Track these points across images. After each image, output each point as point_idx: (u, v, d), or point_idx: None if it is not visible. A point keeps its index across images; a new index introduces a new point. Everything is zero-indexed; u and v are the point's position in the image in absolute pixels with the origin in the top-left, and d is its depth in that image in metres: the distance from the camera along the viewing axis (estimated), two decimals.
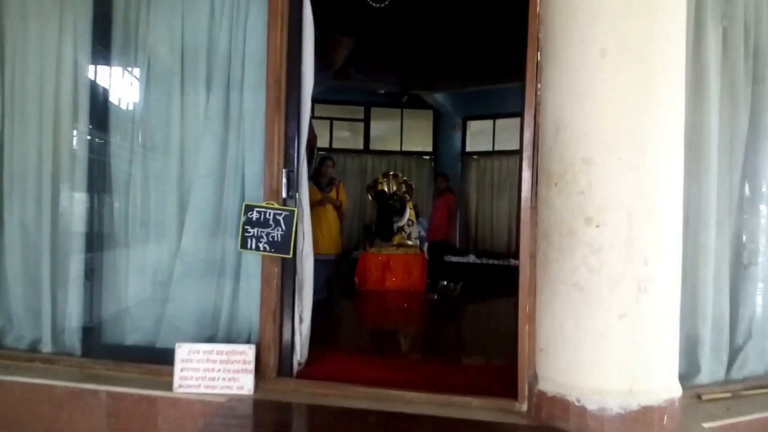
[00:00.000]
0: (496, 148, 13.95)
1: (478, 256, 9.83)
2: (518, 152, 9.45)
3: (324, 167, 6.77)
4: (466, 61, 11.24)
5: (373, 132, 14.59)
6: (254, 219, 3.00)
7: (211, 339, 3.20)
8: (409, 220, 8.32)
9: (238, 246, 3.04)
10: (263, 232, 3.00)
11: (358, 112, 14.40)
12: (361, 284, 7.71)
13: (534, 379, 2.72)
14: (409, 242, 8.28)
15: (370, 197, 8.75)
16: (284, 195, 3.02)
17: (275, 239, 2.99)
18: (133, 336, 3.28)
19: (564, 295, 2.57)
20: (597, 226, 2.49)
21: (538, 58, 2.74)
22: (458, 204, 7.64)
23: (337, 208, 6.48)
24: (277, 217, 2.99)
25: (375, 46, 11.29)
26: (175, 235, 3.24)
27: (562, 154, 2.58)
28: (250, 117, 3.14)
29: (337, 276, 6.49)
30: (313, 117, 12.00)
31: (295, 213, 2.98)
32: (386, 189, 8.59)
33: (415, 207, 8.98)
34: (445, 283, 7.89)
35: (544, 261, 2.67)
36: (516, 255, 9.08)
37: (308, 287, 3.22)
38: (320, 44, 10.60)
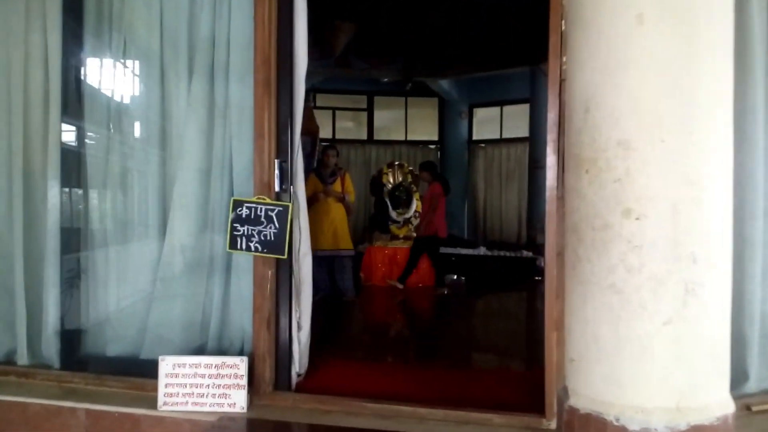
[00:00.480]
0: (504, 136, 13.60)
1: (489, 248, 9.47)
2: (527, 139, 9.18)
3: (325, 157, 6.41)
4: (472, 44, 10.85)
5: (376, 121, 14.23)
6: (244, 216, 2.68)
7: (200, 349, 2.90)
8: (416, 211, 7.97)
9: (227, 246, 2.72)
10: (254, 230, 2.68)
11: (361, 101, 14.04)
12: (367, 279, 7.39)
13: (564, 393, 2.39)
14: (416, 235, 7.94)
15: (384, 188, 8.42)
16: (277, 188, 2.70)
17: (268, 238, 2.67)
18: (115, 346, 2.99)
19: (598, 299, 2.24)
20: (637, 219, 2.15)
21: (563, 28, 2.40)
22: (446, 192, 7.07)
23: (341, 200, 6.13)
24: (270, 213, 2.66)
25: (376, 31, 10.91)
26: (158, 235, 2.94)
27: (593, 137, 2.24)
28: (238, 102, 2.82)
29: (344, 273, 6.18)
30: (314, 107, 11.70)
31: (290, 208, 2.66)
32: (391, 180, 8.25)
33: (421, 198, 8.63)
34: (455, 277, 7.56)
35: (574, 259, 2.34)
36: (527, 246, 8.79)
37: (306, 290, 2.90)
38: (319, 30, 10.26)
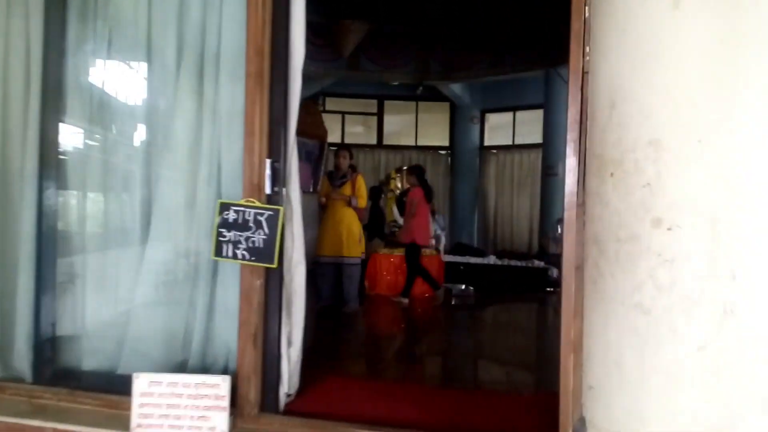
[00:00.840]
0: (516, 142, 13.31)
1: (499, 257, 9.19)
2: (540, 146, 8.91)
3: (337, 159, 6.18)
4: (486, 45, 10.61)
5: (386, 126, 14.01)
6: (231, 220, 2.45)
7: (181, 365, 2.66)
8: None
9: (212, 253, 2.48)
10: (241, 236, 2.44)
11: (371, 105, 13.83)
12: (371, 288, 7.12)
13: (581, 425, 2.13)
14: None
15: (382, 194, 8.15)
16: (268, 191, 2.46)
17: (256, 245, 2.43)
18: (91, 360, 2.76)
19: (622, 320, 1.98)
20: (668, 230, 1.89)
21: (586, 15, 2.14)
22: (428, 199, 6.74)
23: (348, 204, 5.89)
24: (259, 217, 2.43)
25: (388, 32, 10.70)
26: (141, 240, 2.70)
27: (619, 136, 1.99)
28: (229, 96, 2.59)
29: (351, 282, 5.90)
30: (323, 111, 11.52)
31: (280, 213, 2.42)
32: (399, 185, 8.00)
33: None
34: (463, 287, 7.30)
35: (596, 274, 2.08)
36: (539, 256, 8.51)
37: (299, 303, 2.66)
38: (328, 30, 10.07)
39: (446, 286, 7.26)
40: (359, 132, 14.45)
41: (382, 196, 8.08)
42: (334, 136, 13.37)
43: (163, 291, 2.71)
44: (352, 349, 4.33)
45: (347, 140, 13.84)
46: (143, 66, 2.71)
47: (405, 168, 8.25)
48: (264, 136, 2.45)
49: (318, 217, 6.38)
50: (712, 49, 1.87)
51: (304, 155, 10.83)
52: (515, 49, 10.61)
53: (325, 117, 11.73)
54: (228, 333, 2.61)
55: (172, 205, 2.67)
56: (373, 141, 14.00)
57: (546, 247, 10.07)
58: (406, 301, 6.58)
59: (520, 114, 13.23)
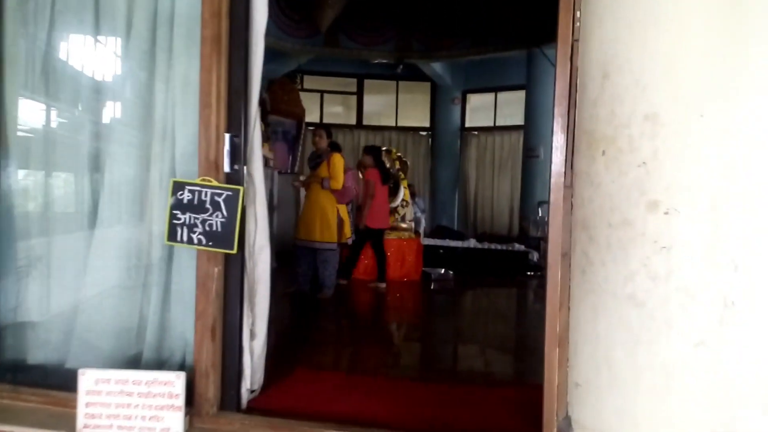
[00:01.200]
0: (498, 124, 13.14)
1: (479, 240, 9.05)
2: (522, 128, 8.73)
3: (313, 138, 5.95)
4: (467, 24, 10.35)
5: (366, 106, 13.72)
6: (185, 201, 2.22)
7: (135, 359, 2.45)
8: (403, 200, 7.51)
9: (165, 238, 2.25)
10: (197, 218, 2.21)
11: (351, 84, 13.51)
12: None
13: (566, 425, 1.97)
14: (404, 225, 7.49)
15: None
16: (227, 168, 2.24)
17: (214, 228, 2.21)
18: (37, 353, 2.53)
19: (613, 312, 1.80)
20: (665, 214, 1.71)
21: None
22: (383, 181, 6.50)
23: (322, 185, 5.65)
24: (216, 198, 2.20)
25: (367, 8, 10.39)
26: (88, 223, 2.47)
27: (612, 110, 1.80)
28: (184, 63, 2.35)
29: (326, 268, 5.67)
30: (301, 89, 11.11)
31: (240, 193, 2.19)
32: None
33: (410, 186, 8.18)
34: (442, 270, 7.14)
35: (584, 262, 1.90)
36: (520, 239, 8.38)
37: (263, 291, 2.45)
38: (304, 4, 9.73)
39: (426, 270, 7.09)
40: (338, 112, 14.16)
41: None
42: (312, 116, 13.06)
43: (114, 278, 2.48)
44: (323, 338, 4.11)
45: (326, 120, 13.56)
46: (89, 30, 2.44)
47: (384, 148, 7.99)
48: (222, 107, 2.22)
49: (296, 199, 6.16)
50: (718, 10, 1.68)
51: (281, 135, 10.54)
52: (497, 27, 10.38)
53: (304, 96, 11.42)
54: (185, 324, 2.40)
55: (122, 185, 2.44)
56: (353, 121, 13.72)
57: (527, 231, 9.96)
58: (383, 285, 6.40)
59: (501, 95, 13.04)
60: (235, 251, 2.21)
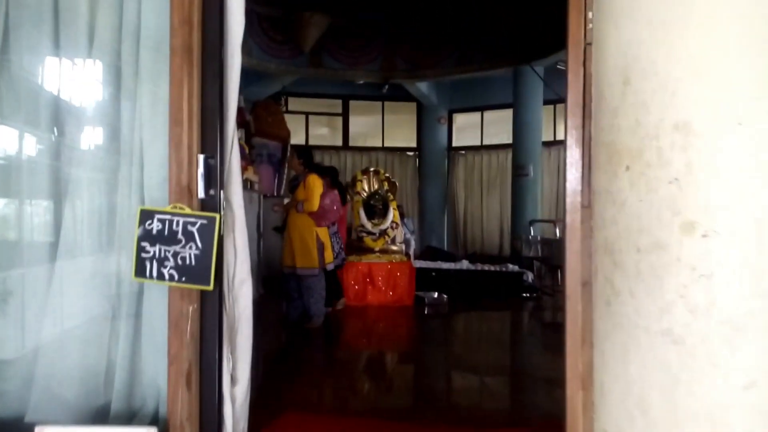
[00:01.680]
0: (485, 143, 13.03)
1: (471, 262, 8.83)
2: (510, 146, 8.57)
3: (289, 162, 5.74)
4: (452, 41, 10.24)
5: (352, 127, 13.57)
6: (155, 232, 1.97)
7: (103, 410, 2.17)
8: (393, 222, 7.28)
9: (132, 273, 2.00)
10: (168, 251, 1.96)
11: (336, 105, 13.37)
12: (345, 299, 6.65)
13: None
14: (394, 247, 7.26)
15: (348, 197, 7.70)
16: (201, 194, 2.00)
17: (187, 262, 1.96)
18: None
19: (647, 350, 1.57)
20: (703, 237, 1.49)
21: None
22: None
23: (296, 208, 5.42)
24: (189, 228, 1.95)
25: (351, 27, 10.25)
26: (49, 255, 2.20)
27: (637, 119, 1.59)
28: (152, 77, 2.11)
29: (310, 296, 5.40)
30: (286, 111, 10.93)
31: (217, 221, 1.95)
32: (366, 188, 7.55)
33: (399, 207, 7.96)
34: (435, 294, 6.90)
35: (609, 292, 1.67)
36: (512, 259, 8.17)
37: (245, 331, 2.19)
38: (287, 24, 9.59)
39: (419, 294, 6.84)
40: (324, 134, 14.00)
41: (371, 202, 7.35)
42: (298, 138, 12.88)
43: (78, 317, 2.21)
44: (313, 373, 3.84)
45: (312, 142, 13.38)
46: (47, 44, 2.20)
47: (371, 169, 7.80)
48: (195, 125, 1.98)
49: (283, 223, 5.90)
50: (758, 5, 1.49)
51: (266, 158, 10.32)
52: (483, 45, 10.29)
53: (289, 118, 11.25)
54: (158, 369, 2.13)
55: (86, 214, 2.18)
56: (339, 142, 13.56)
57: (519, 250, 9.77)
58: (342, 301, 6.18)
59: (488, 114, 12.97)
60: (211, 287, 1.96)
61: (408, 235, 10.15)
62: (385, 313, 6.15)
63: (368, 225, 7.16)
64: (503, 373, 4.08)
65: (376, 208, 7.28)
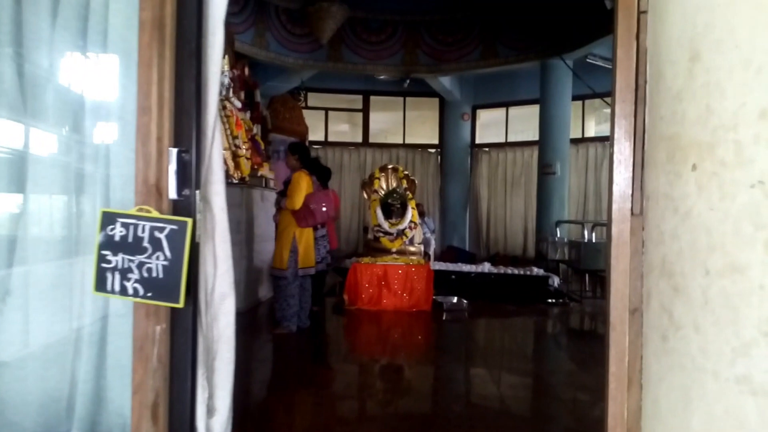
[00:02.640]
0: (509, 139, 12.61)
1: (493, 263, 8.45)
2: (536, 143, 8.14)
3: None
4: (476, 34, 9.84)
5: (372, 123, 13.25)
6: (118, 238, 1.67)
7: None
8: (411, 222, 6.94)
9: (93, 286, 1.70)
10: (132, 261, 1.66)
11: (356, 101, 13.06)
12: (352, 303, 6.34)
13: None
14: (412, 248, 6.93)
15: (365, 195, 7.39)
16: (173, 194, 1.69)
17: (154, 274, 1.65)
18: None
19: (714, 400, 1.23)
20: None
21: None
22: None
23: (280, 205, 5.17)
24: (157, 234, 1.65)
25: (371, 18, 9.93)
26: (3, 264, 1.92)
27: (707, 105, 1.24)
28: (121, 57, 1.82)
29: (278, 300, 5.11)
30: (305, 107, 10.58)
31: (189, 226, 1.64)
32: (384, 186, 7.23)
33: (418, 206, 7.62)
34: (455, 299, 6.55)
35: (666, 324, 1.32)
36: (538, 262, 7.74)
37: (225, 354, 1.88)
38: (304, 17, 9.27)
39: (437, 299, 6.49)
40: (344, 130, 13.72)
41: (389, 201, 6.93)
42: (317, 134, 12.62)
43: (37, 335, 1.93)
44: (317, 390, 3.51)
45: (331, 138, 13.12)
46: (8, 14, 1.92)
47: (390, 166, 7.46)
48: (166, 114, 1.68)
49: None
50: None
51: (283, 154, 10.06)
52: (508, 37, 9.89)
53: (308, 114, 10.99)
54: (124, 396, 1.84)
55: (45, 217, 1.89)
56: (359, 139, 13.26)
57: (544, 252, 9.36)
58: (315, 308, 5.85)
59: (513, 110, 12.54)
60: (181, 305, 1.65)
61: (428, 235, 9.81)
62: (399, 318, 5.79)
63: (385, 225, 6.84)
64: (528, 395, 3.70)
65: (393, 207, 6.95)
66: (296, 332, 5.00)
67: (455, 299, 6.50)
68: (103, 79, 1.85)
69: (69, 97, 1.87)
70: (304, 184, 4.97)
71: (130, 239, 1.67)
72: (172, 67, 1.70)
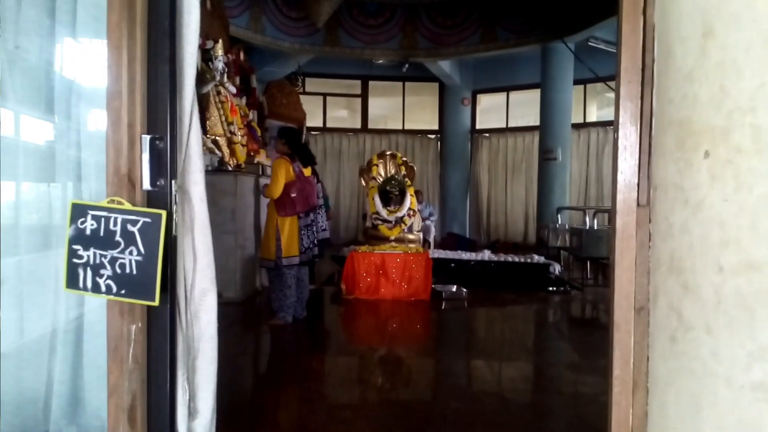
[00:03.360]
0: (510, 125, 12.46)
1: (494, 250, 8.36)
2: (536, 128, 7.90)
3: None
4: (476, 16, 9.66)
5: (371, 109, 13.09)
6: (89, 232, 1.57)
7: None
8: (410, 209, 6.83)
9: (64, 283, 1.60)
10: (105, 256, 1.56)
11: (355, 86, 12.89)
12: (349, 292, 6.24)
13: None
14: (411, 236, 6.82)
15: (363, 182, 7.27)
16: (147, 185, 1.59)
17: (127, 270, 1.56)
18: None
19: (726, 408, 1.13)
20: None
21: None
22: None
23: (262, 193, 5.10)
24: (130, 227, 1.55)
25: (368, 3, 9.75)
26: None
27: (722, 86, 1.13)
28: (92, 36, 1.71)
29: (272, 291, 5.03)
30: (303, 93, 10.34)
31: (163, 219, 1.54)
32: (382, 172, 7.11)
33: (417, 193, 7.51)
34: (454, 288, 6.46)
35: (674, 324, 1.22)
36: (539, 249, 7.61)
37: (207, 353, 1.79)
38: (301, 2, 9.02)
39: (435, 287, 6.40)
40: (342, 116, 13.56)
41: (387, 188, 6.72)
42: (315, 120, 12.47)
43: (10, 333, 1.83)
44: (308, 386, 3.41)
45: (330, 124, 12.98)
46: None
47: (388, 153, 7.34)
48: (138, 98, 1.57)
49: None
50: None
51: None
52: (509, 20, 9.71)
53: (305, 99, 10.84)
54: (101, 398, 1.74)
55: (16, 209, 1.79)
56: (357, 125, 13.12)
57: (545, 239, 9.25)
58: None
59: (514, 95, 12.37)
60: (156, 302, 1.55)
61: (428, 222, 9.70)
62: (398, 308, 5.70)
63: (383, 212, 6.73)
64: (529, 389, 3.60)
65: (392, 194, 6.83)
66: (292, 323, 4.91)
67: (454, 288, 6.40)
68: (74, 60, 1.74)
69: (39, 79, 1.76)
70: (283, 171, 4.80)
71: (101, 233, 1.57)
72: (143, 49, 1.59)
